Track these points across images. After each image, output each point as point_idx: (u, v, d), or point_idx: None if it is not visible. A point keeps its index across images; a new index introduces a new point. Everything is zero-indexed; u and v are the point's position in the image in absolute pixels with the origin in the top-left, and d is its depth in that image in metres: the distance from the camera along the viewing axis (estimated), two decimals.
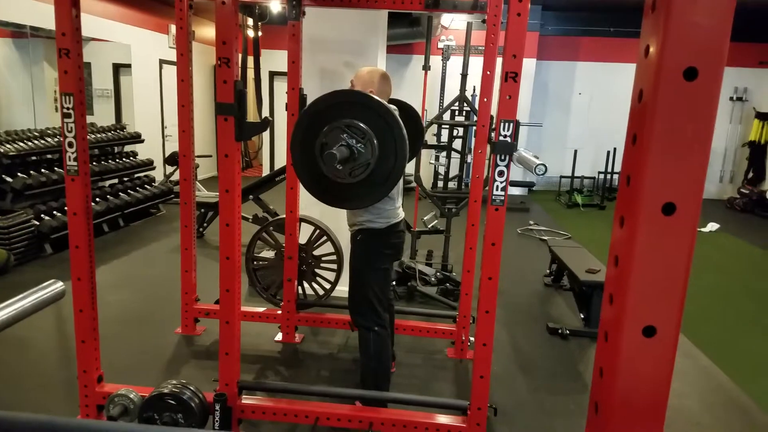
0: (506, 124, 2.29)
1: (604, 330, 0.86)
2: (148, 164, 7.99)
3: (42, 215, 5.76)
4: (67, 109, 2.49)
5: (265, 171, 11.43)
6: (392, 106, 2.64)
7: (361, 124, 2.38)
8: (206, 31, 10.49)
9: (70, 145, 2.52)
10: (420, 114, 3.63)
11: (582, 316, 4.60)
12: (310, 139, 2.44)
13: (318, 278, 4.18)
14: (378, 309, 3.01)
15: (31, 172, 5.85)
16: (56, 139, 6.21)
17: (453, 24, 9.23)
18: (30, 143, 5.93)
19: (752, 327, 4.85)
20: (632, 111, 0.78)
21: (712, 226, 8.59)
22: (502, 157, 2.33)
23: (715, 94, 0.71)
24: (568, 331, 4.33)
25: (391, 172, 2.49)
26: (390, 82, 3.03)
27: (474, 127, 3.80)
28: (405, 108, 3.51)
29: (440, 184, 6.66)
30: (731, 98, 11.30)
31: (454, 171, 6.49)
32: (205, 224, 6.80)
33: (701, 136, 0.73)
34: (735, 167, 11.65)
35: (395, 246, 3.12)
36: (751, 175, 11.09)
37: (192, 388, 2.66)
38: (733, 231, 8.61)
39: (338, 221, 4.11)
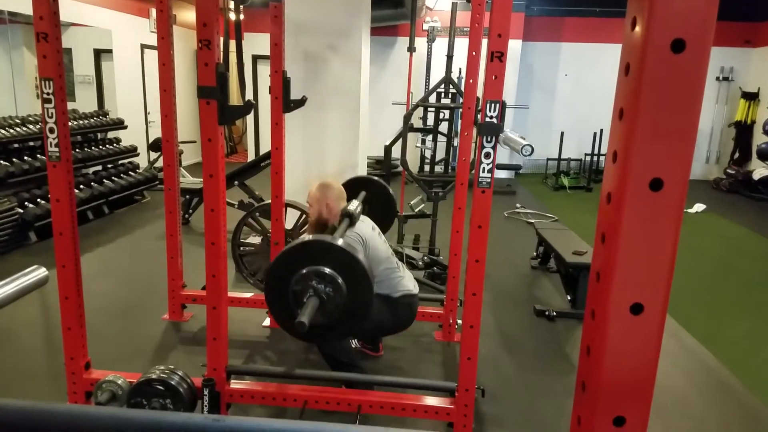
0: (492, 105, 2.28)
1: (590, 308, 0.86)
2: (132, 150, 7.92)
3: (26, 203, 5.69)
4: (47, 94, 2.45)
5: (250, 156, 11.37)
6: (354, 203, 3.02)
7: (326, 270, 2.33)
8: (188, 15, 10.37)
9: (51, 130, 2.48)
10: (387, 187, 3.89)
11: (569, 298, 4.63)
12: (283, 291, 2.38)
13: None
14: (347, 343, 3.21)
15: (14, 159, 5.78)
16: (38, 126, 6.13)
17: (438, 5, 9.18)
18: (12, 130, 5.85)
19: (738, 307, 4.91)
20: (619, 85, 0.77)
21: (699, 207, 8.65)
22: (489, 139, 2.32)
23: (703, 66, 0.70)
24: (554, 313, 4.35)
25: (363, 303, 2.44)
26: (335, 186, 3.27)
27: (460, 110, 3.79)
28: (372, 184, 3.80)
29: (427, 167, 6.65)
30: (717, 78, 11.34)
31: (440, 154, 6.48)
32: (190, 210, 6.75)
33: (689, 109, 0.72)
34: (721, 147, 11.71)
35: (403, 317, 3.27)
36: (737, 155, 11.17)
37: (180, 373, 2.65)
38: (719, 212, 8.68)
39: None
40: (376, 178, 3.86)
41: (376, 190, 3.76)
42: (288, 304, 2.33)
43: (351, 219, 2.97)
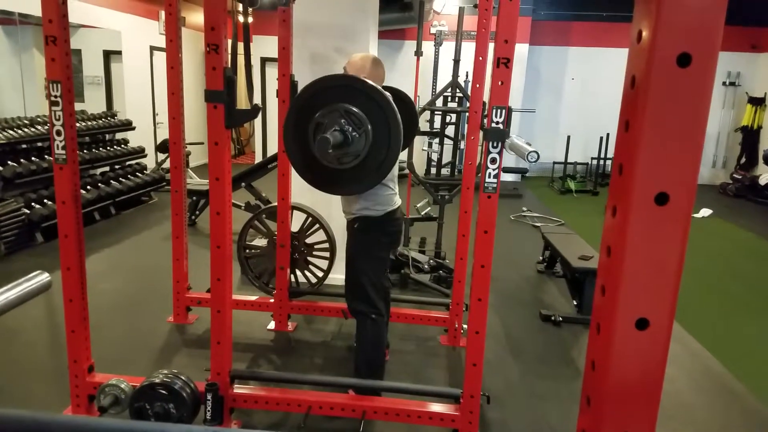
0: (498, 111, 2.27)
1: (596, 322, 0.85)
2: (140, 152, 7.94)
3: (32, 204, 5.71)
4: (55, 96, 2.46)
5: (257, 158, 11.38)
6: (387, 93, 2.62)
7: (357, 110, 2.35)
8: (197, 17, 10.39)
9: (58, 133, 2.49)
10: (413, 101, 3.59)
11: (575, 303, 4.61)
12: (303, 121, 2.41)
13: (310, 266, 4.17)
14: (373, 297, 3.00)
15: (22, 160, 5.80)
16: (46, 127, 6.15)
17: (445, 9, 9.17)
18: (20, 131, 5.88)
19: (744, 312, 4.88)
20: (624, 98, 0.77)
21: (705, 212, 8.61)
22: (495, 144, 2.32)
23: (709, 80, 0.69)
24: (560, 318, 4.33)
25: (384, 160, 2.47)
26: (383, 67, 2.98)
27: (467, 114, 3.77)
28: (399, 96, 3.42)
29: (433, 170, 6.63)
30: (724, 83, 11.29)
31: (447, 157, 6.47)
32: (197, 212, 6.77)
33: (695, 124, 0.71)
34: (728, 152, 11.66)
35: (392, 234, 3.12)
36: (743, 160, 11.11)
37: (183, 377, 2.65)
38: (725, 216, 8.64)
39: (331, 209, 4.10)
40: (403, 92, 3.51)
41: (403, 101, 3.41)
42: (307, 136, 2.35)
43: None
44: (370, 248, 3.03)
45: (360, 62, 2.91)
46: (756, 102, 10.91)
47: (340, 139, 2.32)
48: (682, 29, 0.68)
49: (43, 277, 1.41)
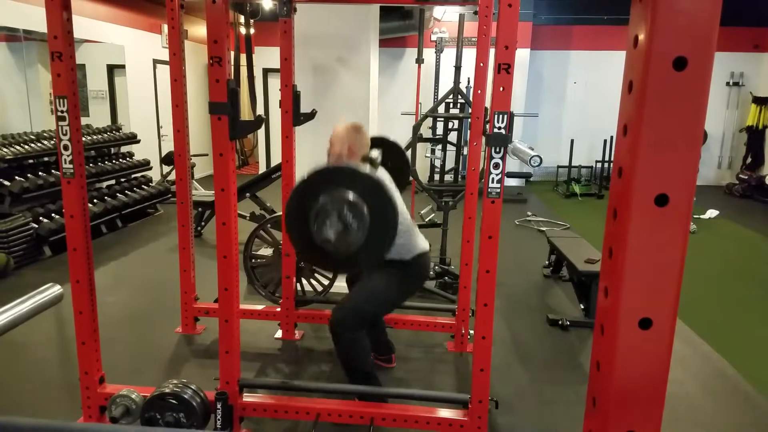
0: (500, 116, 2.29)
1: (600, 323, 0.86)
2: (145, 164, 7.98)
3: (40, 218, 5.75)
4: (62, 112, 2.48)
5: (261, 168, 11.42)
6: (376, 152, 2.89)
7: (355, 198, 2.31)
8: (199, 29, 10.46)
9: (66, 147, 2.52)
10: (402, 149, 3.75)
11: (582, 307, 4.60)
12: (302, 212, 2.37)
13: (316, 275, 4.18)
14: (363, 325, 3.05)
15: (29, 175, 5.84)
16: (52, 142, 6.20)
17: (445, 16, 9.21)
18: (26, 146, 5.93)
19: (753, 313, 4.86)
20: (622, 102, 0.78)
21: (712, 213, 8.58)
22: (497, 150, 2.33)
23: (705, 83, 0.71)
24: (568, 322, 4.33)
25: (385, 238, 2.42)
26: (364, 132, 3.09)
27: (469, 120, 3.79)
28: (388, 144, 3.60)
29: (437, 177, 6.65)
30: (728, 83, 11.28)
31: (450, 164, 6.48)
32: (203, 223, 6.79)
33: (692, 125, 0.72)
34: (733, 153, 11.63)
35: (418, 277, 3.21)
36: (749, 160, 11.08)
37: (193, 387, 2.66)
38: (732, 217, 8.61)
39: None
40: (391, 138, 3.70)
41: (392, 151, 3.61)
42: (308, 226, 2.33)
43: (373, 166, 2.92)
44: (394, 285, 3.09)
45: (344, 134, 3.03)
46: (760, 102, 10.89)
47: (339, 231, 2.30)
48: (677, 33, 0.70)
49: (55, 290, 1.44)
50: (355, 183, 2.32)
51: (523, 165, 9.85)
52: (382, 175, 3.05)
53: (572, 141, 10.60)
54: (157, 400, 2.60)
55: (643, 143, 0.73)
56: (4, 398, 3.26)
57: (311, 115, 3.76)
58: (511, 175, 8.83)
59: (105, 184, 7.26)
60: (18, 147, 5.83)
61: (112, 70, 8.73)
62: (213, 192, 2.62)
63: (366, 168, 2.69)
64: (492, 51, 2.69)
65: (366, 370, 3.09)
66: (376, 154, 3.00)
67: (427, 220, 5.60)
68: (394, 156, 3.61)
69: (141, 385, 2.80)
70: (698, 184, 11.13)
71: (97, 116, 8.30)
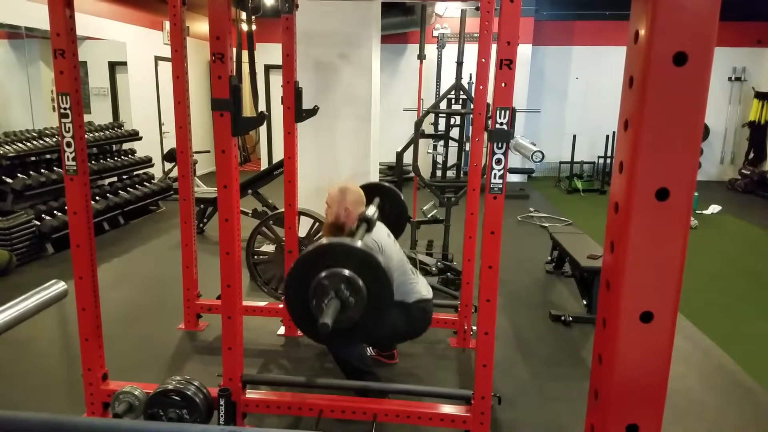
0: (502, 112, 2.29)
1: (602, 317, 0.87)
2: (147, 161, 8.00)
3: (42, 215, 5.76)
4: (64, 109, 2.49)
5: (263, 165, 11.43)
6: (372, 209, 3.05)
7: (351, 274, 2.32)
8: (201, 26, 10.46)
9: (68, 144, 2.52)
10: (398, 192, 3.87)
11: (584, 303, 4.61)
12: (302, 289, 2.38)
13: None
14: (362, 350, 3.24)
15: (31, 172, 5.85)
16: (55, 139, 6.21)
17: (447, 12, 9.20)
18: (29, 144, 5.94)
19: (755, 308, 4.86)
20: (623, 97, 0.78)
21: (714, 208, 8.57)
22: (499, 145, 2.33)
23: (705, 78, 0.71)
24: (570, 318, 4.33)
25: (382, 308, 2.42)
26: (356, 191, 3.25)
27: (471, 116, 3.80)
28: (383, 190, 3.79)
29: (439, 173, 6.65)
30: (730, 78, 11.24)
31: (452, 160, 6.49)
32: (205, 220, 6.80)
33: (693, 120, 0.73)
34: (735, 148, 11.60)
35: (419, 321, 3.32)
36: (751, 155, 11.05)
37: (196, 383, 2.67)
38: (735, 212, 8.60)
39: None
40: (388, 184, 3.87)
41: (388, 197, 3.77)
42: (308, 307, 2.34)
43: (369, 224, 2.98)
44: (400, 321, 3.20)
45: (339, 195, 3.19)
46: (762, 97, 10.85)
47: (338, 306, 2.30)
48: (677, 29, 0.70)
49: (59, 286, 1.44)
50: (347, 263, 2.34)
51: (525, 161, 9.85)
52: (380, 231, 3.18)
53: (574, 137, 10.58)
54: (160, 397, 2.61)
55: (643, 138, 0.73)
56: (8, 394, 3.28)
57: (313, 112, 3.77)
58: (513, 171, 8.83)
59: (107, 181, 7.27)
60: (20, 144, 5.84)
61: (114, 67, 8.74)
62: (214, 189, 2.63)
63: (362, 232, 2.89)
64: (494, 47, 2.69)
65: (365, 368, 3.12)
66: (373, 210, 3.10)
67: (429, 216, 5.60)
68: (390, 201, 3.78)
69: (144, 382, 2.81)
70: (700, 179, 11.02)
71: (99, 113, 8.31)
